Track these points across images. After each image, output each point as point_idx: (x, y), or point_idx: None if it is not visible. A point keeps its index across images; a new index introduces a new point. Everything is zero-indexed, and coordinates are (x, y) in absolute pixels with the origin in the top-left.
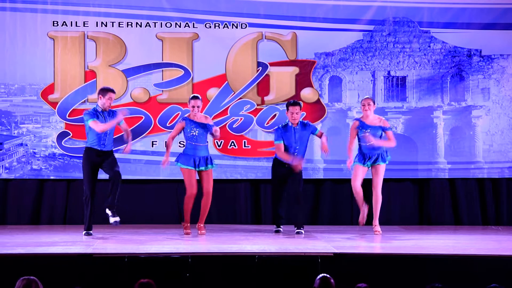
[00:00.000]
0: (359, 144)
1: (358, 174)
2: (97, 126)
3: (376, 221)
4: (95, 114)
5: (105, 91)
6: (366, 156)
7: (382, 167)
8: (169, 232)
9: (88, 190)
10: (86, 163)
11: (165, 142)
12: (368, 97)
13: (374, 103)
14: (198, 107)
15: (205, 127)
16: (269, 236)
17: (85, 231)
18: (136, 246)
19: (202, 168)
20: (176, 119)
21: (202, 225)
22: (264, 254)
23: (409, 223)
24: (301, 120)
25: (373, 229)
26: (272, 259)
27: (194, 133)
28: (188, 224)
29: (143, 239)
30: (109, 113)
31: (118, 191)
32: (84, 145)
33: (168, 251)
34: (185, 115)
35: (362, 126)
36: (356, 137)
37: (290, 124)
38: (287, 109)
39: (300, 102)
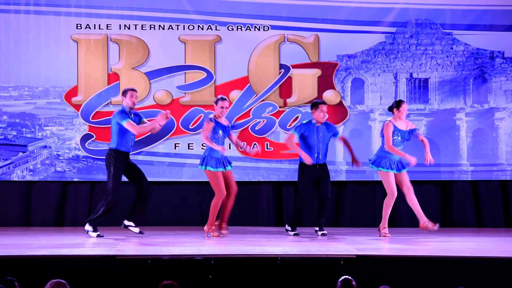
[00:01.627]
0: (385, 147)
1: (393, 179)
2: (133, 127)
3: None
4: (127, 115)
5: (125, 91)
6: (393, 161)
7: (406, 174)
8: (192, 233)
9: (117, 193)
10: (120, 164)
11: (202, 144)
12: (402, 101)
13: (405, 106)
14: (227, 108)
15: (227, 130)
16: (292, 238)
17: (96, 232)
18: (159, 248)
19: (229, 167)
20: (200, 120)
21: (225, 224)
22: (287, 256)
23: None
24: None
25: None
26: (294, 261)
27: (220, 136)
28: (215, 227)
29: (166, 241)
30: (134, 114)
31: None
32: (108, 147)
33: (191, 253)
34: (210, 116)
35: (395, 129)
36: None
37: (313, 122)
38: (317, 108)
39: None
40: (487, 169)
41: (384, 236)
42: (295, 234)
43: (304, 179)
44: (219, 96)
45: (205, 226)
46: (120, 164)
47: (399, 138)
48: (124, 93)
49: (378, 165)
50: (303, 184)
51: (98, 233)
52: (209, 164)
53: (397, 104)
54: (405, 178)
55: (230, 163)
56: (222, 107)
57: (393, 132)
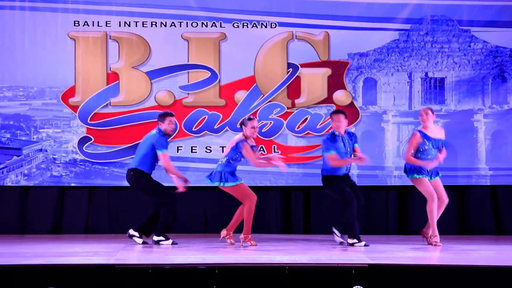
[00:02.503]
0: (418, 157)
1: (429, 183)
2: (167, 162)
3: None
4: (167, 143)
5: (163, 116)
6: (426, 169)
7: (439, 180)
8: (195, 241)
9: (169, 197)
10: (150, 179)
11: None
12: (426, 107)
13: (432, 112)
14: (257, 127)
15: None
16: (300, 246)
17: (165, 239)
18: (160, 256)
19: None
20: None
21: (231, 233)
22: (295, 265)
23: (447, 232)
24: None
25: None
26: (303, 271)
27: (240, 158)
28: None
29: (167, 249)
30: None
31: None
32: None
33: (194, 262)
34: (244, 138)
35: (424, 139)
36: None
37: (337, 134)
38: (332, 118)
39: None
40: (507, 173)
41: (435, 245)
42: (365, 245)
43: (339, 185)
44: (247, 116)
45: (242, 234)
46: (148, 178)
47: (430, 146)
48: (162, 118)
49: (410, 172)
50: (343, 192)
51: (172, 240)
52: (229, 179)
53: (422, 112)
54: (436, 186)
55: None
56: (253, 127)
57: (423, 142)
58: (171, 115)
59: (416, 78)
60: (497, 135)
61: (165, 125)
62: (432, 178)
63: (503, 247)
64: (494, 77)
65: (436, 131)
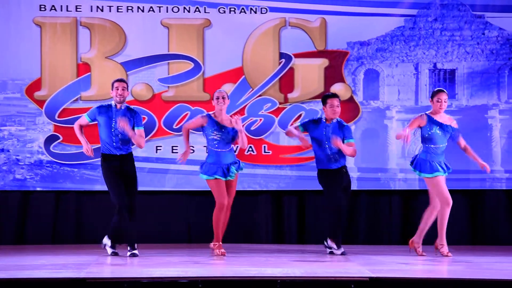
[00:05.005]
0: (425, 147)
1: (445, 184)
2: (77, 122)
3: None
4: (98, 110)
5: (112, 83)
6: (438, 163)
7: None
8: (176, 252)
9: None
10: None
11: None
12: (442, 90)
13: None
14: (223, 98)
15: (228, 133)
16: (294, 258)
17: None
18: (137, 269)
19: (232, 175)
20: (185, 119)
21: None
22: (288, 278)
23: (459, 242)
24: (338, 118)
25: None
26: (297, 285)
27: (214, 137)
28: (221, 243)
29: (145, 261)
30: (126, 111)
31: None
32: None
33: (175, 275)
34: (209, 113)
35: (430, 122)
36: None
37: (323, 120)
38: (325, 103)
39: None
40: None
41: (446, 255)
42: (342, 253)
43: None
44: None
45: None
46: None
47: (437, 131)
48: (111, 85)
49: (420, 170)
50: (333, 191)
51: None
52: (204, 170)
53: (433, 94)
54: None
55: (233, 171)
56: (217, 98)
57: (429, 125)
58: (118, 80)
59: (423, 69)
60: None
61: (113, 92)
62: (445, 172)
63: None
64: (511, 69)
65: (445, 118)
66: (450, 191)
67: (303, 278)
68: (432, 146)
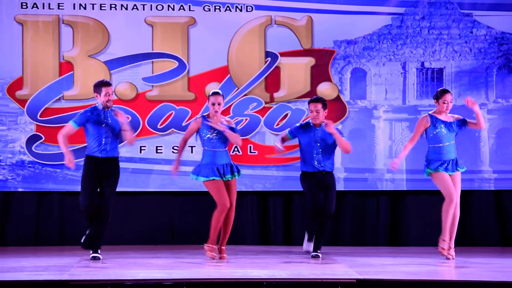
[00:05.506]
0: (431, 147)
1: (451, 184)
2: (60, 133)
3: (452, 242)
4: (86, 116)
5: (97, 86)
6: (445, 162)
7: (459, 176)
8: (161, 254)
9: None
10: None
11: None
12: (447, 90)
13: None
14: (219, 104)
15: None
16: (280, 259)
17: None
18: (120, 271)
19: (229, 177)
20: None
21: (224, 247)
22: (274, 280)
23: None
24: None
25: (448, 252)
26: (283, 287)
27: (210, 136)
28: (215, 246)
29: (129, 262)
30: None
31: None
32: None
33: (159, 277)
34: (204, 114)
35: (435, 122)
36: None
37: (311, 124)
38: (309, 107)
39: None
40: None
41: (443, 254)
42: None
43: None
44: (212, 91)
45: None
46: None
47: (442, 129)
48: (97, 88)
49: (426, 167)
50: (307, 194)
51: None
52: (199, 172)
53: (438, 94)
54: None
55: (233, 173)
56: (213, 104)
57: (433, 125)
58: (106, 84)
59: (411, 68)
60: (503, 133)
61: (101, 97)
62: (453, 172)
63: (509, 261)
64: (499, 68)
65: (448, 116)
66: (437, 192)
67: (289, 280)
68: (439, 145)
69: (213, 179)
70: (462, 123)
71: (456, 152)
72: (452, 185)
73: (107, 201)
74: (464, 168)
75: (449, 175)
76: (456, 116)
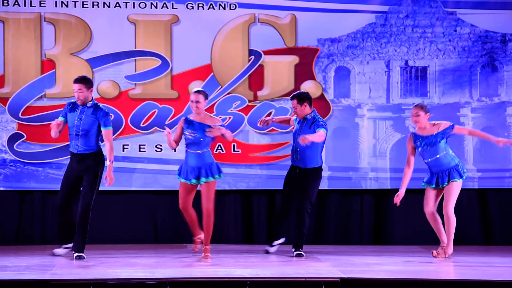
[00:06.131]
0: (425, 163)
1: (429, 197)
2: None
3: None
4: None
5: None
6: (435, 174)
7: (456, 185)
8: (144, 253)
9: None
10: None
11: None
12: (417, 105)
13: (425, 111)
14: (197, 102)
15: (202, 134)
16: (264, 258)
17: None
18: (103, 270)
19: (193, 181)
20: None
21: (207, 247)
22: (258, 279)
23: (431, 242)
24: (313, 115)
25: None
26: (267, 286)
27: (189, 136)
28: (196, 238)
29: (111, 262)
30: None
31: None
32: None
33: (142, 276)
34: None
35: (415, 140)
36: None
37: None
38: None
39: (304, 93)
40: (498, 175)
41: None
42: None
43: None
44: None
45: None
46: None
47: (425, 146)
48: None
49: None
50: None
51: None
52: (179, 170)
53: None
54: (445, 192)
55: (199, 177)
56: (191, 101)
57: (415, 144)
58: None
59: (394, 67)
60: (487, 132)
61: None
62: (450, 182)
63: (493, 259)
64: (483, 66)
65: (430, 129)
66: (421, 191)
67: (273, 279)
68: (426, 161)
69: (181, 180)
70: (449, 130)
71: (453, 160)
72: (428, 199)
73: (83, 203)
74: (457, 179)
75: (438, 188)
76: (444, 123)
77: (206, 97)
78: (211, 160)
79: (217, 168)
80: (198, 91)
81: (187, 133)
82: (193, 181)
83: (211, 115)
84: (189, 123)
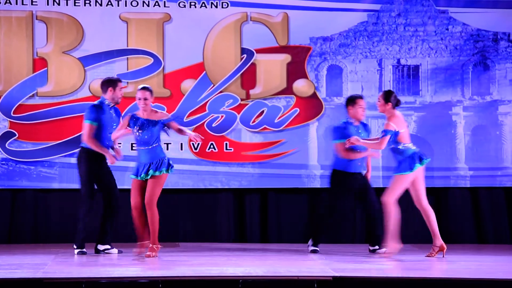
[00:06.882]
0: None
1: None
2: (87, 135)
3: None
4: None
5: (112, 82)
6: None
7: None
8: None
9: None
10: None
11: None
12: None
13: (384, 100)
14: (145, 99)
15: (153, 125)
16: (256, 257)
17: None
18: (95, 269)
19: (143, 176)
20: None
21: (152, 245)
22: (250, 278)
23: (423, 241)
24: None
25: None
26: (259, 284)
27: (136, 134)
28: (141, 243)
29: (103, 260)
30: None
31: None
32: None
33: (134, 275)
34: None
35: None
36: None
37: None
38: (354, 103)
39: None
40: (489, 173)
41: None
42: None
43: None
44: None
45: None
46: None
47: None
48: (112, 84)
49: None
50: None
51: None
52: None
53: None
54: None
55: (147, 172)
56: (139, 99)
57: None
58: (120, 80)
59: (387, 65)
60: (478, 130)
61: (115, 92)
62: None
63: (485, 258)
64: (475, 65)
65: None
66: None
67: (266, 277)
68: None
69: (132, 177)
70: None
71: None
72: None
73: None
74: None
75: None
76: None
77: (152, 93)
78: (163, 155)
79: (167, 163)
80: (144, 88)
81: (135, 131)
82: (143, 175)
83: (157, 110)
84: (135, 120)
